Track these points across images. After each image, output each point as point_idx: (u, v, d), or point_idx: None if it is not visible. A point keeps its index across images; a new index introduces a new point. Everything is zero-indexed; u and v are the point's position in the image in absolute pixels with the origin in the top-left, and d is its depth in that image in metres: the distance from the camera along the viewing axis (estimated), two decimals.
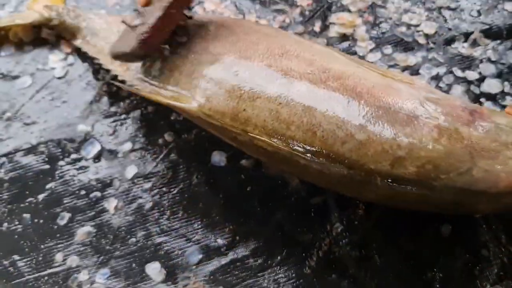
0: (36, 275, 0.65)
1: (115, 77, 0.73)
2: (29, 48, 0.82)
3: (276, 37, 0.63)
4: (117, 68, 0.72)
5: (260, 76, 0.58)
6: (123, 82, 0.72)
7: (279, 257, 0.65)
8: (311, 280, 0.63)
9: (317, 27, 0.80)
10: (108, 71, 0.75)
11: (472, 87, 0.74)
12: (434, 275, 0.63)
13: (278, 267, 0.64)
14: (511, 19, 0.79)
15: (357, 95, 0.55)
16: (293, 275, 0.64)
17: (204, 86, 0.60)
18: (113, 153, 0.72)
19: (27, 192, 0.70)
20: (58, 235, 0.67)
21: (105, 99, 0.76)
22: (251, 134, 0.57)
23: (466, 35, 0.78)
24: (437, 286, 0.62)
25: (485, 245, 0.64)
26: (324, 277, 0.63)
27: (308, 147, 0.55)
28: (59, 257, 0.66)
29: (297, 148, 0.55)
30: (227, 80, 0.59)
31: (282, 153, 0.56)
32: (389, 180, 0.54)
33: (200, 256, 0.65)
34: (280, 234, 0.66)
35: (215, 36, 0.64)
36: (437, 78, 0.75)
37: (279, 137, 0.56)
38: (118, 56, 0.67)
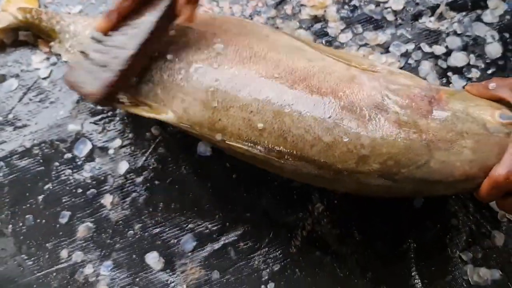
0: (45, 272, 0.71)
1: None
2: (11, 50, 0.83)
3: (245, 35, 0.66)
4: None
5: (230, 85, 0.61)
6: None
7: (266, 239, 0.70)
8: (297, 258, 0.69)
9: (288, 10, 0.82)
10: None
11: (440, 62, 0.77)
12: (409, 246, 0.69)
13: (267, 248, 0.70)
14: None
15: (322, 96, 0.59)
16: (281, 255, 0.70)
17: (181, 97, 0.63)
18: (104, 150, 0.76)
19: (27, 194, 0.74)
20: (61, 233, 0.72)
21: None
22: (228, 142, 0.61)
23: (433, 9, 0.80)
24: (412, 255, 0.68)
25: (454, 214, 0.70)
26: (308, 255, 0.69)
27: (281, 151, 0.59)
28: (64, 253, 0.71)
29: (271, 153, 0.60)
30: (200, 90, 0.62)
31: (259, 157, 0.61)
32: (355, 177, 0.58)
33: (194, 243, 0.71)
34: (266, 217, 0.71)
35: (187, 43, 0.66)
36: (406, 55, 0.78)
37: (254, 144, 0.60)
38: (74, 89, 0.64)
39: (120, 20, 0.63)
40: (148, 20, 0.62)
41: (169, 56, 0.65)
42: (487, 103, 0.61)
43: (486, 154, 0.57)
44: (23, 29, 0.82)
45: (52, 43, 0.80)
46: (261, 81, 0.61)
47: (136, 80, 0.65)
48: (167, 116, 0.63)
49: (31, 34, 0.83)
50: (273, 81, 0.60)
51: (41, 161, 0.76)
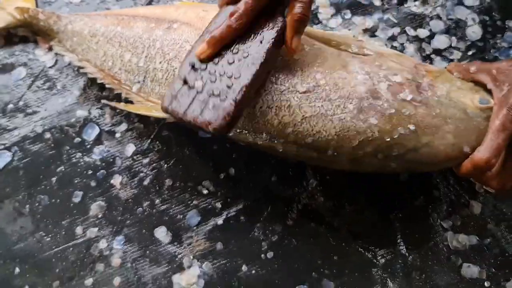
0: (62, 247, 0.76)
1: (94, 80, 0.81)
2: (17, 39, 0.87)
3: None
4: (93, 70, 0.79)
5: None
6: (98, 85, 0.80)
7: (265, 213, 0.76)
8: (293, 230, 0.75)
9: None
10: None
11: (424, 45, 0.82)
12: (395, 216, 0.75)
13: (265, 221, 0.76)
14: None
15: (316, 86, 0.65)
16: (279, 227, 0.76)
17: None
18: (111, 134, 0.81)
19: (41, 176, 0.79)
20: (75, 211, 0.78)
21: (95, 84, 0.83)
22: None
23: None
24: (397, 224, 0.75)
25: (436, 187, 0.76)
26: (304, 226, 0.75)
27: (287, 140, 0.66)
28: (79, 230, 0.77)
29: (274, 141, 0.67)
30: None
31: (263, 145, 0.67)
32: (350, 159, 0.65)
33: (199, 218, 0.77)
34: (264, 193, 0.77)
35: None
36: (392, 38, 0.83)
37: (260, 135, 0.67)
38: (179, 118, 0.61)
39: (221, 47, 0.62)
40: (258, 48, 0.60)
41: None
42: (468, 86, 0.66)
43: (466, 138, 0.63)
44: (22, 27, 0.86)
45: (52, 43, 0.83)
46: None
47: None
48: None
49: (29, 31, 0.86)
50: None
51: (52, 145, 0.81)
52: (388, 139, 0.63)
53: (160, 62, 0.71)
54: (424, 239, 0.74)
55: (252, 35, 0.62)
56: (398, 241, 0.74)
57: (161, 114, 0.68)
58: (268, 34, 0.61)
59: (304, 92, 0.64)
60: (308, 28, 0.66)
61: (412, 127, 0.62)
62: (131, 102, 0.75)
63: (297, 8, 0.60)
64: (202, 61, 0.62)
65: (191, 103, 0.60)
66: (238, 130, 0.67)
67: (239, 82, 0.59)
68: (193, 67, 0.62)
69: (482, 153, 0.60)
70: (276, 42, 0.61)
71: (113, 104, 0.76)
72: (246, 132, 0.67)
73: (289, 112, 0.65)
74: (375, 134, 0.63)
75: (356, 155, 0.64)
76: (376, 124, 0.62)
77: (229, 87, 0.59)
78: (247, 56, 0.60)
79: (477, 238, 0.74)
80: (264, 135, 0.66)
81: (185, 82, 0.61)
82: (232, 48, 0.61)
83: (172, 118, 0.63)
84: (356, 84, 0.64)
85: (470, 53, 0.82)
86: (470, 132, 0.63)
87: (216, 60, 0.61)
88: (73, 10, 0.89)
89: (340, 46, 0.69)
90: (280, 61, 0.66)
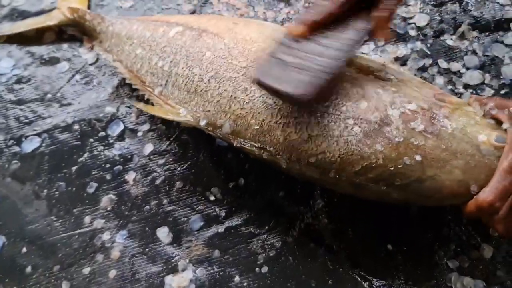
0: (69, 233, 0.78)
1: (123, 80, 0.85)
2: (66, 36, 0.93)
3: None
4: (124, 71, 0.82)
5: None
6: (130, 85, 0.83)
7: (267, 227, 0.76)
8: (292, 247, 0.74)
9: None
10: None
11: (454, 78, 0.80)
12: (399, 248, 0.72)
13: (266, 235, 0.75)
14: (500, 12, 0.83)
15: (330, 108, 0.64)
16: (278, 242, 0.74)
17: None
18: (134, 132, 0.84)
19: (63, 164, 0.83)
20: (87, 201, 0.80)
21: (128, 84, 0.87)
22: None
23: (455, 28, 0.83)
24: (400, 257, 0.71)
25: (447, 223, 0.72)
26: (303, 246, 0.74)
27: (290, 158, 0.66)
28: (87, 219, 0.79)
29: (278, 156, 0.66)
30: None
31: (267, 159, 0.68)
32: (352, 183, 0.64)
33: (202, 224, 0.77)
34: (269, 207, 0.77)
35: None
36: (423, 69, 0.81)
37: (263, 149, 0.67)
38: (268, 87, 0.61)
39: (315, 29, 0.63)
40: (350, 36, 0.62)
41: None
42: (486, 122, 0.62)
43: (475, 176, 0.59)
44: (72, 26, 0.92)
45: (94, 42, 0.89)
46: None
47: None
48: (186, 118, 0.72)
49: (77, 30, 0.92)
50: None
51: (78, 136, 0.85)
52: (392, 168, 0.60)
53: (183, 68, 0.73)
54: (426, 276, 0.70)
55: (342, 25, 0.63)
56: (398, 274, 0.71)
57: (175, 118, 0.72)
58: (359, 27, 0.62)
59: (314, 111, 0.63)
60: None
61: (418, 157, 0.60)
62: (152, 104, 0.77)
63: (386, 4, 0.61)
64: (296, 40, 0.62)
65: (280, 75, 0.60)
66: (244, 141, 0.68)
67: (332, 63, 0.59)
68: (284, 44, 0.63)
69: (486, 195, 0.57)
70: (364, 36, 0.62)
71: (134, 103, 0.79)
72: (253, 144, 0.67)
73: (296, 129, 0.64)
74: (379, 161, 0.61)
75: (358, 180, 0.63)
76: (382, 151, 0.61)
77: (318, 65, 0.59)
78: (337, 41, 0.61)
79: (484, 284, 0.69)
80: (269, 149, 0.66)
81: (276, 57, 0.62)
82: (325, 33, 0.62)
83: (260, 88, 0.63)
84: (368, 108, 0.62)
85: (503, 91, 0.78)
86: (480, 170, 0.59)
87: (305, 40, 0.62)
88: (122, 14, 0.94)
89: (361, 68, 0.67)
90: None
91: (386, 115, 0.62)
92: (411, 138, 0.60)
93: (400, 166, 0.60)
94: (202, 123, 0.69)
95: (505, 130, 0.60)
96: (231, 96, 0.67)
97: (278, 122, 0.65)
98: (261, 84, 0.61)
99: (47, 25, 0.92)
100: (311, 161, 0.64)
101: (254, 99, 0.66)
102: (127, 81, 0.81)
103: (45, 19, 0.92)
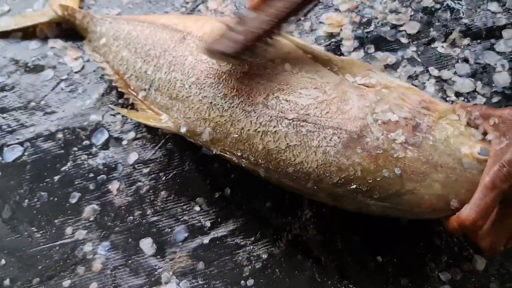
0: (50, 245, 0.76)
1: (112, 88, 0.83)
2: (52, 44, 0.91)
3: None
4: (110, 73, 0.80)
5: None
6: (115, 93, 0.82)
7: (253, 238, 0.73)
8: (278, 259, 0.72)
9: (307, 26, 0.86)
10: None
11: (445, 86, 0.78)
12: (389, 260, 0.70)
13: (252, 246, 0.73)
14: (491, 20, 0.82)
15: (309, 117, 0.62)
16: (264, 254, 0.72)
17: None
18: (118, 140, 0.82)
19: (45, 174, 0.81)
20: (69, 211, 0.78)
21: (114, 92, 0.85)
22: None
23: (446, 35, 0.82)
24: (390, 269, 0.69)
25: (439, 234, 0.70)
26: (290, 257, 0.71)
27: (268, 167, 0.64)
28: (69, 230, 0.77)
29: (257, 166, 0.65)
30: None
31: (245, 167, 0.66)
32: (331, 194, 0.62)
33: (186, 235, 0.75)
34: (256, 217, 0.74)
35: None
36: (413, 76, 0.80)
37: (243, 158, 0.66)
38: (213, 53, 0.64)
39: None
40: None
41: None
42: (471, 132, 0.60)
43: (455, 190, 0.57)
44: (64, 24, 0.90)
45: (84, 41, 0.87)
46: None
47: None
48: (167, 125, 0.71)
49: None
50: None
51: (62, 145, 0.83)
52: (370, 180, 0.59)
53: (165, 73, 0.71)
54: None
55: None
56: (389, 287, 0.68)
57: (156, 124, 0.70)
58: None
59: (293, 120, 0.62)
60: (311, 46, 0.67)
61: (397, 170, 0.58)
62: (137, 109, 0.76)
63: None
64: (249, 11, 0.63)
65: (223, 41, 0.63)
66: (224, 149, 0.66)
67: (257, 19, 0.62)
68: (238, 16, 0.64)
69: (468, 213, 0.54)
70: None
71: (116, 108, 0.77)
72: (232, 152, 0.66)
73: (274, 138, 0.62)
74: (357, 173, 0.59)
75: (336, 192, 0.61)
76: (360, 163, 0.59)
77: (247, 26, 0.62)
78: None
79: None
80: (248, 158, 0.64)
81: (229, 27, 0.63)
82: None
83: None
84: (348, 118, 0.60)
85: (495, 100, 0.76)
86: (461, 184, 0.57)
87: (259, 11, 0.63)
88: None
89: (343, 72, 0.66)
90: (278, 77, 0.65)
91: (366, 125, 0.60)
92: (391, 150, 0.58)
93: (379, 179, 0.58)
94: (183, 130, 0.68)
95: (490, 141, 0.58)
96: (211, 103, 0.66)
97: (257, 130, 0.63)
98: (207, 52, 0.63)
99: (38, 22, 0.90)
100: (289, 171, 0.62)
101: (233, 106, 0.64)
102: (113, 84, 0.80)
103: (37, 16, 0.91)
